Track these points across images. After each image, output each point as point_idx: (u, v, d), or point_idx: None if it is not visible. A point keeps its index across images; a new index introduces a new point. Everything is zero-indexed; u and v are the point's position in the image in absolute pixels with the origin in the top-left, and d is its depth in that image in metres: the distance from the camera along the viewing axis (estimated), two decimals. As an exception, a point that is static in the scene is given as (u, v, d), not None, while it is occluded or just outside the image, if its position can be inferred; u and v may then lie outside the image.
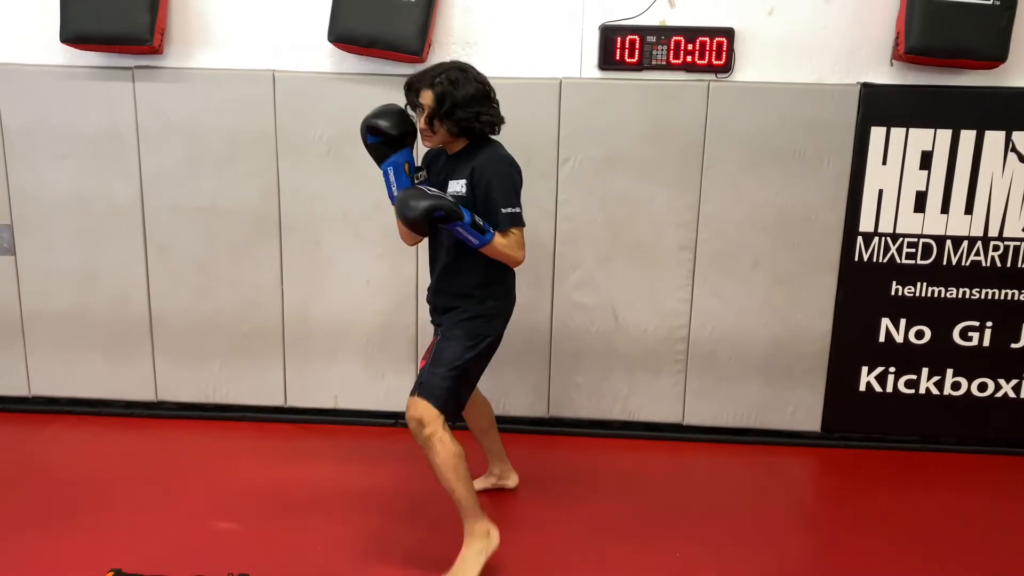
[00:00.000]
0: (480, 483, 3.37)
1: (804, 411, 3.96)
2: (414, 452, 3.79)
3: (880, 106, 3.62)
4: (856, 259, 3.78)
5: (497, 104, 2.76)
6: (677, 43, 3.63)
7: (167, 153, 3.85)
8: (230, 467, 3.59)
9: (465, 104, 2.64)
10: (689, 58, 3.64)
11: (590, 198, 3.78)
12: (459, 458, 2.68)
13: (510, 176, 2.71)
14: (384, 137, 2.72)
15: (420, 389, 2.70)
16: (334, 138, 3.79)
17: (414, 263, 3.90)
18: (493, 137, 2.80)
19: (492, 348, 2.85)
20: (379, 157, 2.77)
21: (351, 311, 3.98)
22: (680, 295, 3.85)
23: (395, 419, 4.08)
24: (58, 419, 4.08)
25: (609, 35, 3.64)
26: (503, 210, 2.65)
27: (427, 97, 2.66)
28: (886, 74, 3.65)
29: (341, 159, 3.79)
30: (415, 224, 2.59)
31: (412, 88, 2.71)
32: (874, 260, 3.78)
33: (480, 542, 2.75)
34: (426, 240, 2.90)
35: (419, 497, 3.34)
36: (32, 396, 4.18)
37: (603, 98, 3.69)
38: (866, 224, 3.75)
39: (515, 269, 2.87)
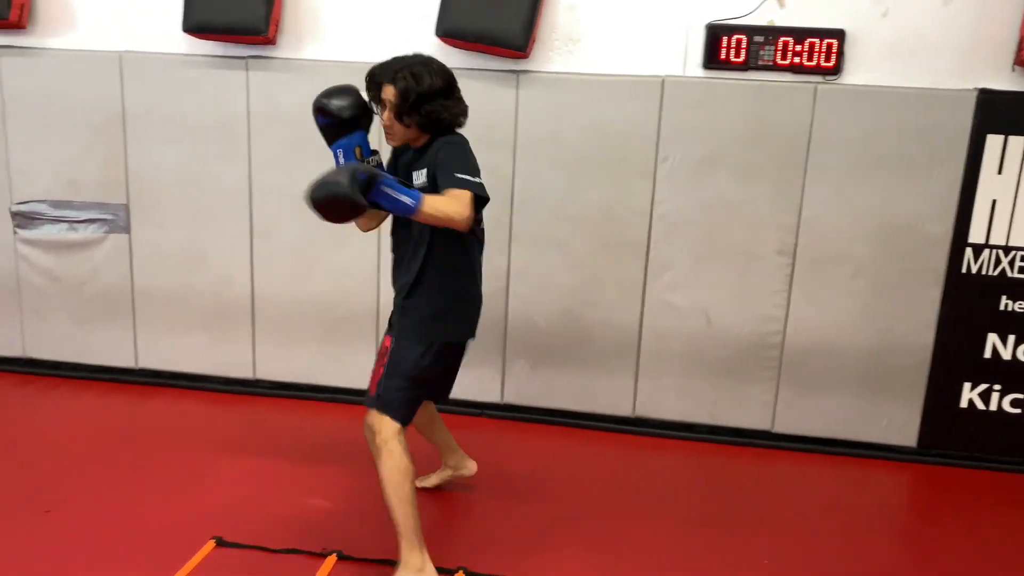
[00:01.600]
0: (437, 477, 3.31)
1: (900, 425, 3.84)
2: (499, 441, 3.87)
3: (998, 113, 3.49)
4: (963, 271, 3.65)
5: (460, 97, 2.63)
6: (785, 44, 3.57)
7: (275, 141, 3.98)
8: (322, 446, 3.69)
9: (428, 98, 2.51)
10: (797, 59, 3.58)
11: (687, 198, 3.75)
12: (404, 474, 2.56)
13: (463, 150, 2.54)
14: (333, 119, 2.61)
15: (377, 402, 2.61)
16: (435, 131, 3.85)
17: (506, 255, 3.94)
18: (458, 131, 2.65)
19: (450, 352, 2.71)
20: (329, 139, 2.66)
21: (443, 301, 4.04)
22: (775, 300, 3.79)
23: (481, 409, 4.14)
24: (162, 391, 4.28)
25: (715, 34, 3.61)
26: (454, 174, 2.43)
27: (389, 92, 2.53)
28: (1006, 80, 3.51)
29: (441, 152, 3.85)
30: (346, 200, 2.18)
31: (374, 82, 2.59)
32: (983, 273, 3.64)
33: (410, 575, 2.61)
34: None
35: (498, 482, 3.40)
36: (139, 368, 4.39)
37: (706, 97, 3.66)
38: (976, 235, 3.61)
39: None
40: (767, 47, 3.58)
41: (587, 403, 4.05)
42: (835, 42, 3.53)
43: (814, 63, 3.57)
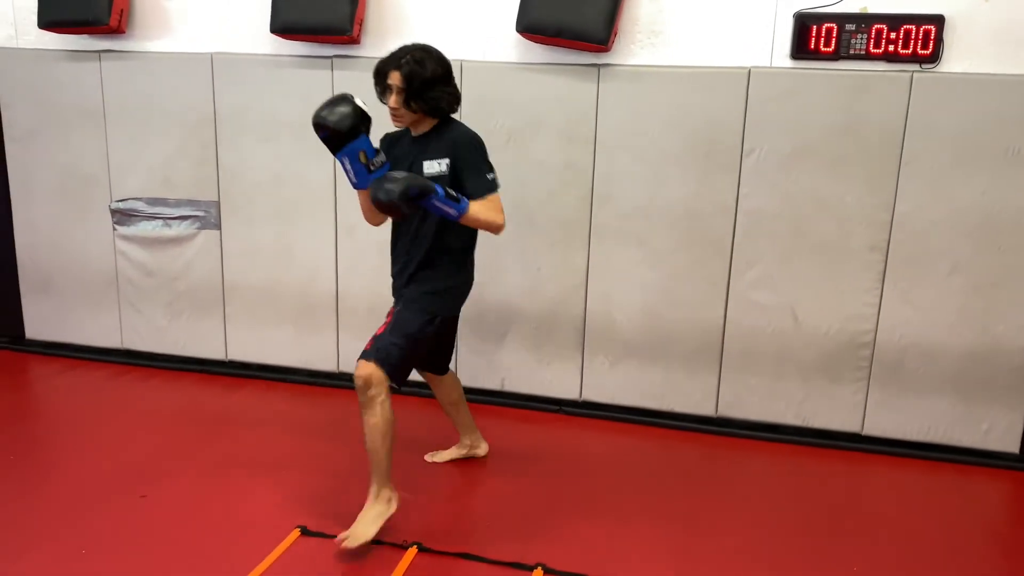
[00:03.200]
0: (452, 452, 3.57)
1: (1001, 430, 3.65)
2: (577, 439, 3.84)
3: (1113, 100, 3.28)
4: (1073, 269, 3.45)
5: (455, 84, 2.89)
6: (878, 31, 3.43)
7: (359, 138, 4.04)
8: (403, 439, 3.70)
9: (432, 83, 2.78)
10: (891, 47, 3.43)
11: (774, 192, 3.65)
12: (390, 425, 2.87)
13: (484, 149, 2.90)
14: (331, 132, 2.71)
15: (375, 353, 2.83)
16: (514, 128, 3.85)
17: (585, 251, 3.91)
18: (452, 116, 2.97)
19: (445, 325, 3.06)
20: (332, 149, 2.78)
21: (522, 297, 4.04)
22: (867, 299, 3.65)
23: (559, 405, 4.13)
24: (250, 383, 4.42)
25: (804, 23, 3.49)
26: (487, 176, 2.84)
27: (396, 78, 2.79)
28: (1123, 64, 3.30)
29: (520, 149, 3.85)
30: (394, 207, 2.62)
31: (381, 72, 2.85)
32: (1095, 271, 3.43)
33: (382, 506, 2.92)
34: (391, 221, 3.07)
35: (577, 480, 3.38)
36: (228, 360, 4.54)
37: (794, 89, 3.55)
38: (1087, 231, 3.41)
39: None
40: (859, 35, 3.44)
41: (668, 402, 3.99)
42: (933, 28, 3.37)
43: (910, 51, 3.42)
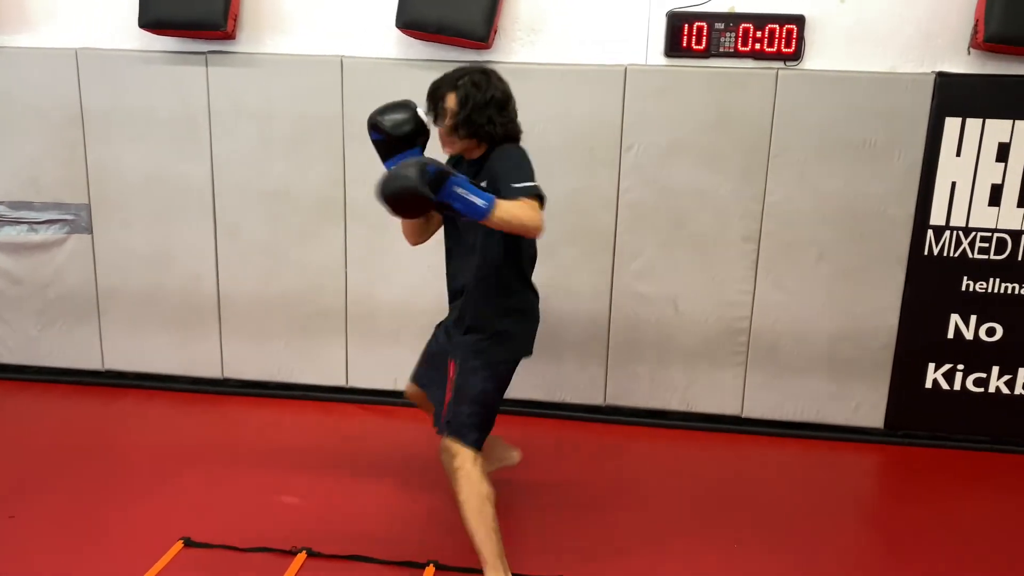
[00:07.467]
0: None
1: (868, 407, 3.88)
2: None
3: (955, 96, 3.52)
4: (926, 253, 3.69)
5: (515, 113, 2.63)
6: (745, 30, 3.58)
7: (238, 137, 3.94)
8: (293, 444, 3.67)
9: (486, 107, 2.52)
10: (757, 46, 3.59)
11: (653, 186, 3.76)
12: (483, 499, 2.52)
13: (519, 157, 2.53)
14: (386, 136, 2.54)
15: (448, 429, 2.60)
16: (399, 124, 3.82)
17: (475, 249, 3.93)
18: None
19: (512, 370, 2.72)
20: (382, 155, 2.58)
21: (413, 295, 4.02)
22: (742, 286, 3.81)
23: (453, 403, 4.13)
24: (129, 393, 4.23)
25: (676, 22, 3.61)
26: (514, 185, 2.39)
27: (451, 100, 2.53)
28: (963, 63, 3.55)
29: (406, 144, 3.82)
30: (413, 194, 2.17)
31: (437, 93, 2.57)
32: (945, 254, 3.68)
33: None
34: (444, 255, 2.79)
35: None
36: (105, 370, 4.33)
37: (668, 85, 3.67)
38: (937, 217, 3.65)
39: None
40: (728, 34, 3.59)
41: (558, 393, 4.05)
42: (795, 28, 3.55)
43: (775, 49, 3.59)
